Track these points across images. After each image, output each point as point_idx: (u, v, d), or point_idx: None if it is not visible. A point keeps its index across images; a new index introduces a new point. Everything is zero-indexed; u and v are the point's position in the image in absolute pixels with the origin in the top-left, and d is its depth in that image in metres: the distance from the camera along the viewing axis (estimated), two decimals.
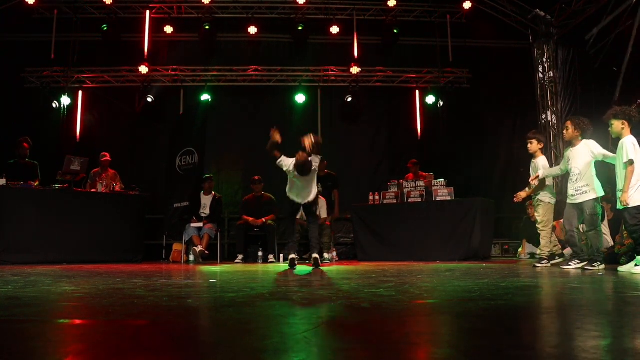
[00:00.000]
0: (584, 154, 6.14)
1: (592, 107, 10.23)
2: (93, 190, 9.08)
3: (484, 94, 12.46)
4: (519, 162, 12.07)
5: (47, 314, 2.65)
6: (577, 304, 2.97)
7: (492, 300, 2.95)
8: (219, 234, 9.54)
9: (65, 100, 11.77)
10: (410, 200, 9.31)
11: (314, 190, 7.10)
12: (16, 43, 11.88)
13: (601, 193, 6.05)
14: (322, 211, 9.73)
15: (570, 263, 6.32)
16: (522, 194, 7.16)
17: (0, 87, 11.54)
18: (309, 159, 6.64)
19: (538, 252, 7.19)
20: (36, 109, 11.62)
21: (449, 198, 8.99)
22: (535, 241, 9.94)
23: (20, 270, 5.89)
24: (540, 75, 12.30)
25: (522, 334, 2.03)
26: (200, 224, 9.47)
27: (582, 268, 5.88)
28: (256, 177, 9.64)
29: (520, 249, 10.15)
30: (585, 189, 6.08)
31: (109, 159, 9.93)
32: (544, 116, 12.12)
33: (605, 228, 8.04)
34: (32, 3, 11.33)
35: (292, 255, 7.06)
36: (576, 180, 6.17)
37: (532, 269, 6.24)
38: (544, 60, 12.23)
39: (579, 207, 6.17)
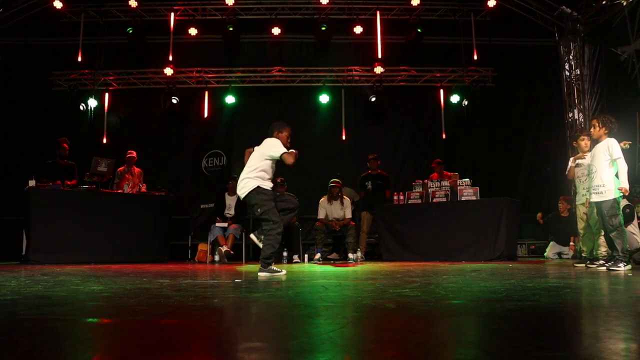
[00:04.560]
0: (603, 152, 6.05)
1: (618, 104, 10.08)
2: (120, 191, 9.19)
3: (509, 93, 12.32)
4: (545, 161, 11.96)
5: (76, 313, 2.69)
6: (607, 305, 2.93)
7: (519, 301, 2.92)
8: (243, 234, 9.58)
9: (92, 103, 11.95)
10: (435, 200, 9.26)
11: (245, 182, 5.55)
12: (44, 47, 12.10)
13: (617, 194, 5.91)
14: (347, 211, 9.74)
15: (594, 263, 6.28)
16: None
17: (29, 90, 11.76)
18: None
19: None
20: (64, 112, 11.78)
21: (474, 198, 8.91)
22: (564, 240, 9.83)
23: (50, 270, 5.99)
24: (567, 73, 12.13)
25: (550, 336, 2.01)
26: (225, 224, 9.52)
27: (607, 269, 5.78)
28: (278, 180, 9.52)
29: (547, 249, 10.01)
30: (600, 189, 5.97)
31: (134, 155, 10.05)
32: (570, 114, 11.95)
33: (634, 228, 7.91)
34: (59, 7, 11.51)
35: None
36: (593, 178, 6.10)
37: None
38: (571, 57, 12.06)
39: (596, 206, 6.10)
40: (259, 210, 5.43)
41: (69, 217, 8.33)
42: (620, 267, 5.65)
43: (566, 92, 12.07)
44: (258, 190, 5.46)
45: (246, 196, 5.52)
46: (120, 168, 9.95)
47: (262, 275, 5.32)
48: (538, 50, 12.47)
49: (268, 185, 5.55)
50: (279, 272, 5.39)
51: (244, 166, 5.70)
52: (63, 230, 8.20)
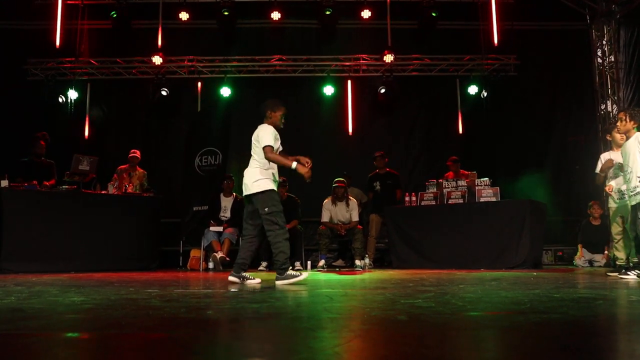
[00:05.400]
0: (634, 148, 6.01)
1: None
2: (104, 192, 9.15)
3: (534, 83, 12.28)
4: (574, 158, 11.90)
5: (54, 327, 2.68)
6: None
7: (545, 314, 2.91)
8: (240, 238, 9.55)
9: (72, 94, 11.93)
10: (450, 201, 9.23)
11: (249, 175, 5.63)
12: (18, 31, 12.06)
13: None
14: (353, 214, 9.70)
15: (629, 272, 6.20)
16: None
17: (1, 79, 11.74)
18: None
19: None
20: (40, 104, 11.76)
21: (494, 199, 8.89)
22: (596, 247, 9.76)
23: (24, 280, 5.99)
24: (599, 60, 12.08)
25: (580, 353, 2.00)
26: (220, 228, 9.51)
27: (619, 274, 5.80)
28: (280, 179, 9.31)
29: (576, 256, 9.95)
30: (639, 189, 5.94)
31: (138, 156, 10.07)
32: (603, 106, 11.90)
33: None
34: None
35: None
36: (629, 180, 6.05)
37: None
38: (604, 42, 12.00)
39: (633, 209, 6.05)
40: (266, 209, 5.45)
41: (47, 220, 8.29)
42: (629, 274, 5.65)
43: (598, 82, 12.03)
44: (270, 192, 5.52)
45: (252, 195, 5.55)
46: (123, 166, 9.95)
47: (280, 283, 5.33)
48: (566, 34, 12.42)
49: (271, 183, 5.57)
50: (298, 276, 5.40)
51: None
52: (39, 235, 8.16)
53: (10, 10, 11.91)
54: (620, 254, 6.81)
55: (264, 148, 5.45)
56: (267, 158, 5.45)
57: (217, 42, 12.57)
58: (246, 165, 5.71)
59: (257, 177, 5.51)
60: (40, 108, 11.74)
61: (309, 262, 9.51)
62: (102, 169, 9.64)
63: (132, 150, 10.14)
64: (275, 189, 5.64)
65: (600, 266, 9.46)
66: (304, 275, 5.45)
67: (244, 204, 9.82)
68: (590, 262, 9.79)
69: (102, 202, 8.97)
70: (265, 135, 5.52)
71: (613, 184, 6.66)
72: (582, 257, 9.83)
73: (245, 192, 5.63)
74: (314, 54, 12.47)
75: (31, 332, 2.47)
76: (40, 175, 8.84)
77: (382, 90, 12.06)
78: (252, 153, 5.66)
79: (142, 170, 10.16)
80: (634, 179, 5.97)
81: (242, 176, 5.73)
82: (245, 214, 5.84)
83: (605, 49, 11.96)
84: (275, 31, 12.59)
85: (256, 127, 5.73)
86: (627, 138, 6.17)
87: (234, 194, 9.88)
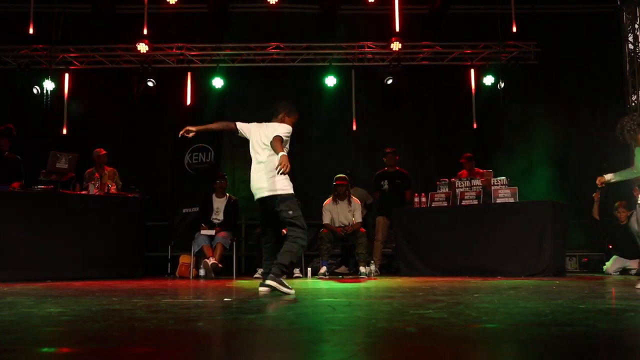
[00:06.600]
0: None
1: None
2: (84, 192, 9.09)
3: (557, 72, 12.25)
4: (601, 156, 11.86)
5: (28, 341, 2.68)
6: None
7: (569, 326, 2.91)
8: (234, 243, 9.56)
9: (49, 85, 11.84)
10: (464, 202, 9.23)
11: (268, 177, 5.55)
12: None
13: None
14: (357, 214, 9.68)
15: None
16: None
17: None
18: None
19: None
20: (13, 95, 11.75)
21: (512, 200, 8.87)
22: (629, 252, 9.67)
23: None
24: (630, 47, 12.05)
25: None
26: (212, 232, 9.49)
27: None
28: None
29: (609, 263, 9.84)
30: None
31: (104, 153, 9.98)
32: (634, 97, 11.86)
33: None
34: None
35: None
36: None
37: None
38: (636, 26, 11.95)
39: None
40: (290, 212, 5.45)
41: (20, 224, 8.19)
42: None
43: (629, 70, 11.99)
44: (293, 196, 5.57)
45: (274, 197, 5.51)
46: (89, 170, 9.86)
47: (270, 283, 5.18)
48: (593, 18, 12.38)
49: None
50: (288, 289, 5.25)
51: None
52: (11, 240, 8.04)
53: None
54: None
55: (275, 136, 5.32)
56: (270, 143, 5.36)
57: (209, 28, 12.52)
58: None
59: (280, 178, 5.43)
60: (12, 100, 11.69)
61: (309, 269, 9.48)
62: (82, 167, 9.60)
63: (97, 149, 10.00)
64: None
65: (636, 274, 9.31)
66: (292, 292, 5.23)
67: (237, 206, 9.89)
68: (623, 270, 9.69)
69: (81, 204, 8.90)
70: (283, 130, 5.47)
71: None
72: (613, 266, 9.73)
73: (267, 194, 5.53)
74: (314, 41, 12.43)
75: (2, 347, 2.47)
76: (5, 174, 8.66)
77: (389, 81, 12.00)
78: (258, 151, 5.61)
79: (111, 169, 10.04)
80: None
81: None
82: (262, 220, 5.83)
83: (638, 33, 11.92)
84: (272, 16, 12.51)
85: (250, 119, 5.69)
86: None
87: (227, 194, 9.86)
